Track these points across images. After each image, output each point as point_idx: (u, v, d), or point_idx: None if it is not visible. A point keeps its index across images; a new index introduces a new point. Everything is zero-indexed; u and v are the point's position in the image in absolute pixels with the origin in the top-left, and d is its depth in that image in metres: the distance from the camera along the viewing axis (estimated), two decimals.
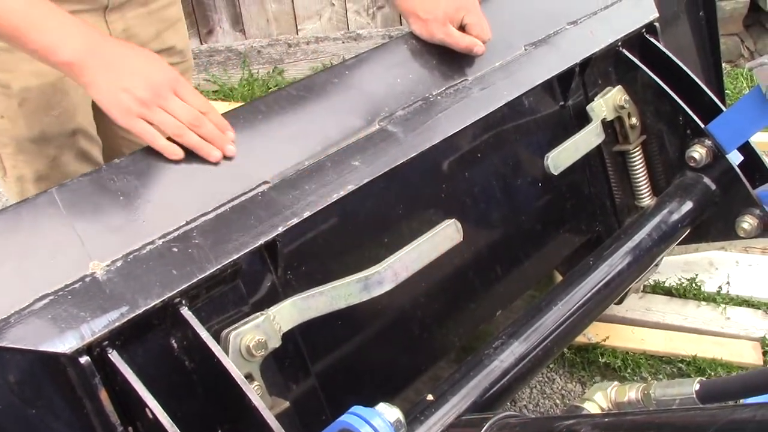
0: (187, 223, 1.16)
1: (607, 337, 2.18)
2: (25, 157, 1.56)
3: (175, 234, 1.14)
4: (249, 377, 1.16)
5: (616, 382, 0.88)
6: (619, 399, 0.88)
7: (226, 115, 1.30)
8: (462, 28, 1.54)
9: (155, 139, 1.20)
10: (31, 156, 1.56)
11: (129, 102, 1.17)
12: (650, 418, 0.52)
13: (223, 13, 3.99)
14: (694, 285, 2.36)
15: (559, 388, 2.32)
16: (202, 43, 4.04)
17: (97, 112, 1.69)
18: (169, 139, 1.22)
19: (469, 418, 0.65)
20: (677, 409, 0.63)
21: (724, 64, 4.03)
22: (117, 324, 1.03)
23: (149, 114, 1.19)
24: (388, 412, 0.87)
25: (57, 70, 1.22)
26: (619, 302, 2.00)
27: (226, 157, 1.25)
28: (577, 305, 1.49)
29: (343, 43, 4.02)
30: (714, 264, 2.46)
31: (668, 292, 2.37)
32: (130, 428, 1.06)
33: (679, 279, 2.39)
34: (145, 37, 1.61)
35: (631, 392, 0.85)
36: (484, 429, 0.62)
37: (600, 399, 0.88)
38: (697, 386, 0.72)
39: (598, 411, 0.89)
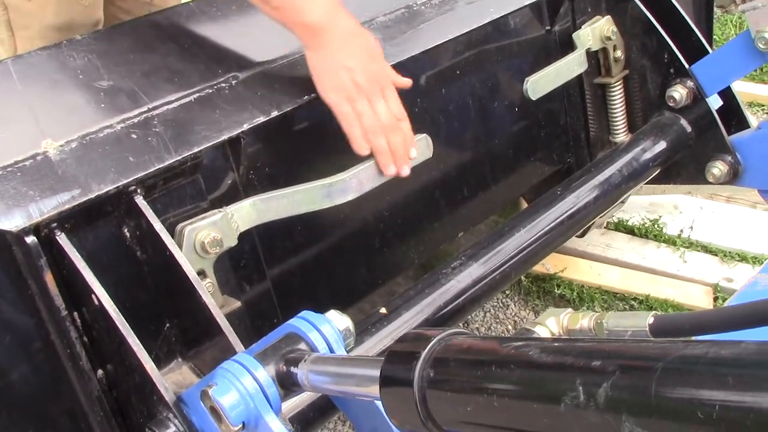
0: (149, 110, 1.12)
1: (565, 269, 2.19)
2: (44, 43, 1.52)
3: (136, 120, 1.10)
4: (201, 274, 1.14)
5: (569, 309, 0.87)
6: (571, 326, 0.88)
7: (197, 1, 1.24)
8: None
9: (352, 127, 1.23)
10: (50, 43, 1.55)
11: (346, 82, 1.21)
12: (600, 345, 0.51)
13: None
14: (656, 226, 2.38)
15: (513, 314, 2.35)
16: None
17: None
18: None
19: (418, 332, 0.64)
20: (628, 339, 0.63)
21: (715, 9, 3.98)
22: (67, 207, 1.00)
23: (357, 101, 1.22)
24: (337, 320, 0.85)
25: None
26: (582, 235, 2.01)
27: (398, 175, 1.29)
28: (539, 233, 1.48)
29: None
30: (679, 208, 2.47)
31: (630, 231, 2.39)
32: (75, 313, 1.04)
33: (643, 219, 2.40)
34: None
35: (584, 320, 0.85)
36: (432, 342, 0.61)
37: (552, 324, 0.87)
38: (651, 320, 0.72)
39: (548, 336, 0.89)
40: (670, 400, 0.43)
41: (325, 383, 0.76)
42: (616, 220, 2.40)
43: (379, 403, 0.71)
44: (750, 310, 0.52)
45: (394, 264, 1.53)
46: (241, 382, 0.79)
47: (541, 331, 0.88)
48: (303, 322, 0.85)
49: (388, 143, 1.25)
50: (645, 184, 1.81)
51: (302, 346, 0.83)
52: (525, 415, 0.52)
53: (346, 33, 1.22)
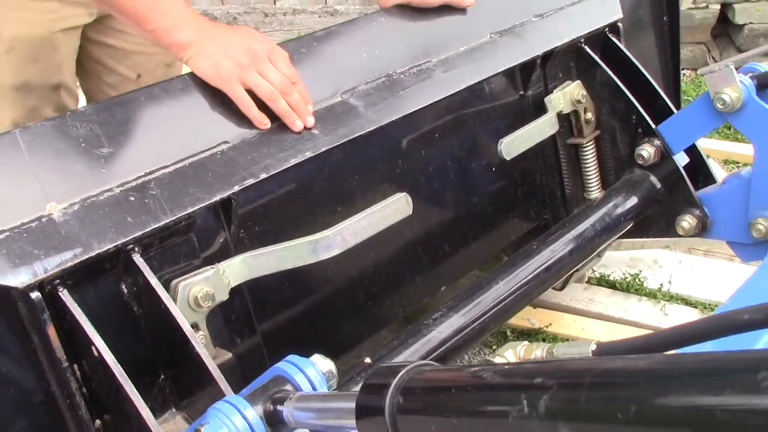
0: (146, 174, 1.20)
1: (550, 324, 2.25)
2: (5, 103, 1.60)
3: (133, 184, 1.18)
4: (195, 326, 1.21)
5: (525, 342, 0.94)
6: (526, 356, 0.95)
7: (191, 74, 1.34)
8: None
9: (249, 107, 1.32)
10: (11, 103, 1.61)
11: (230, 66, 1.30)
12: (542, 366, 0.58)
13: None
14: (637, 280, 2.45)
15: None
16: None
17: (83, 71, 1.76)
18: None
19: (388, 365, 0.71)
20: (566, 359, 0.70)
21: (689, 71, 4.15)
22: (69, 264, 1.07)
23: (247, 76, 1.31)
24: (321, 363, 0.92)
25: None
26: (561, 288, 2.08)
27: (306, 128, 1.37)
28: (517, 286, 1.55)
29: (320, 17, 4.05)
30: (658, 262, 2.55)
31: (612, 285, 2.45)
32: (75, 365, 1.11)
33: (624, 273, 2.47)
34: None
35: (537, 350, 0.91)
36: (401, 373, 0.68)
37: (510, 355, 0.94)
38: (593, 346, 0.79)
39: None
40: (596, 406, 0.51)
41: (308, 419, 0.83)
42: (598, 275, 2.47)
43: None
44: (678, 332, 0.60)
45: (379, 317, 1.60)
46: (232, 420, 0.85)
47: (499, 361, 0.95)
48: (289, 365, 0.91)
49: (289, 104, 1.34)
50: (619, 238, 1.89)
51: (288, 387, 0.90)
52: (480, 429, 0.59)
53: (219, 34, 1.34)
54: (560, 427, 0.52)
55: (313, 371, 0.91)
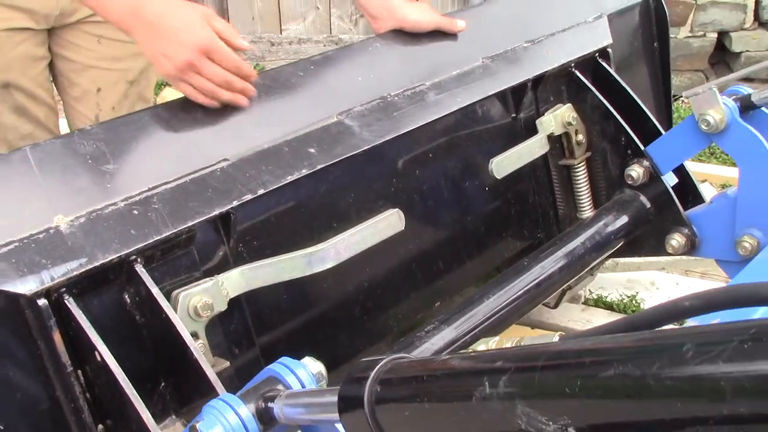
0: (149, 190, 1.26)
1: None
2: None
3: (137, 198, 1.24)
4: (194, 335, 1.26)
5: (497, 337, 0.99)
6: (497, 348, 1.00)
7: None
8: None
9: (197, 97, 1.38)
10: None
11: (170, 69, 1.35)
12: (502, 352, 0.63)
13: (209, 7, 4.09)
14: (634, 302, 2.49)
15: None
16: None
17: (56, 84, 1.86)
18: None
19: (367, 360, 0.76)
20: (526, 345, 0.74)
21: (686, 99, 4.20)
22: (75, 273, 1.13)
23: (188, 79, 1.36)
24: (311, 365, 0.97)
25: None
26: (554, 306, 2.13)
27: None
28: (508, 301, 1.60)
29: (324, 46, 4.15)
30: (655, 284, 2.59)
31: (609, 306, 2.49)
32: (79, 371, 1.16)
33: (621, 295, 2.51)
34: None
35: (507, 344, 0.96)
36: (378, 366, 0.73)
37: (482, 348, 0.99)
38: (556, 338, 0.83)
39: None
40: (548, 383, 0.56)
41: (297, 414, 0.87)
42: (595, 296, 2.51)
43: (339, 426, 0.83)
44: (630, 322, 0.65)
45: (374, 331, 1.65)
46: (225, 417, 0.90)
47: None
48: (281, 366, 0.96)
49: (234, 92, 1.40)
50: (611, 257, 1.94)
51: (280, 387, 0.95)
52: (448, 411, 0.64)
53: (154, 19, 1.33)
54: (517, 404, 0.57)
55: (303, 372, 0.96)
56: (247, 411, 0.91)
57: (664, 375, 0.48)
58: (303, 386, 0.95)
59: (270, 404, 0.90)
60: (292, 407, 0.88)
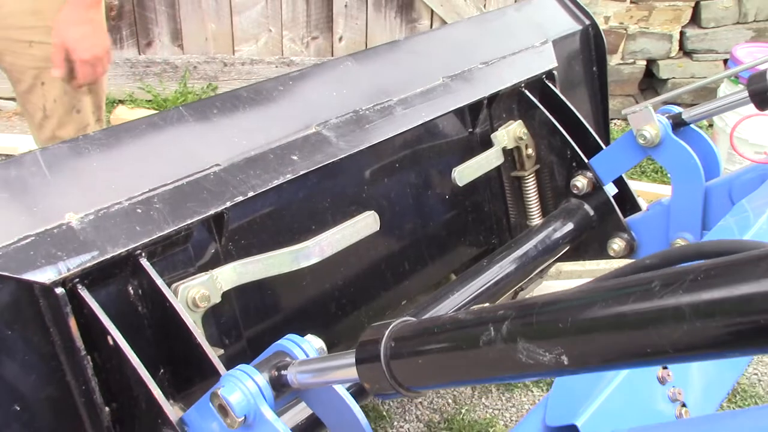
0: (150, 191, 1.37)
1: None
2: None
3: (139, 198, 1.35)
4: None
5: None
6: None
7: (186, 106, 1.53)
8: None
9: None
10: None
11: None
12: (505, 304, 0.78)
13: (163, 27, 4.17)
14: None
15: (453, 389, 2.59)
16: (140, 54, 4.21)
17: (9, 76, 2.24)
18: None
19: (380, 323, 0.89)
20: (522, 299, 0.89)
21: (619, 121, 4.48)
22: (88, 265, 1.23)
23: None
24: (314, 341, 1.10)
25: None
26: None
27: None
28: (468, 298, 1.75)
29: (276, 67, 4.27)
30: None
31: None
32: (89, 356, 1.25)
33: None
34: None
35: None
36: (391, 326, 0.86)
37: None
38: None
39: None
40: (543, 324, 0.70)
41: (310, 378, 1.00)
42: None
43: (338, 389, 0.97)
44: (602, 279, 0.81)
45: (347, 326, 1.78)
46: (244, 384, 1.02)
47: None
48: (289, 342, 1.09)
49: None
50: (558, 261, 2.12)
51: (288, 359, 1.07)
52: (458, 356, 0.78)
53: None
54: (519, 342, 0.71)
55: (308, 346, 1.08)
56: (263, 378, 1.03)
57: (638, 307, 0.64)
58: (308, 357, 1.08)
59: (283, 372, 1.03)
60: (305, 373, 1.01)
